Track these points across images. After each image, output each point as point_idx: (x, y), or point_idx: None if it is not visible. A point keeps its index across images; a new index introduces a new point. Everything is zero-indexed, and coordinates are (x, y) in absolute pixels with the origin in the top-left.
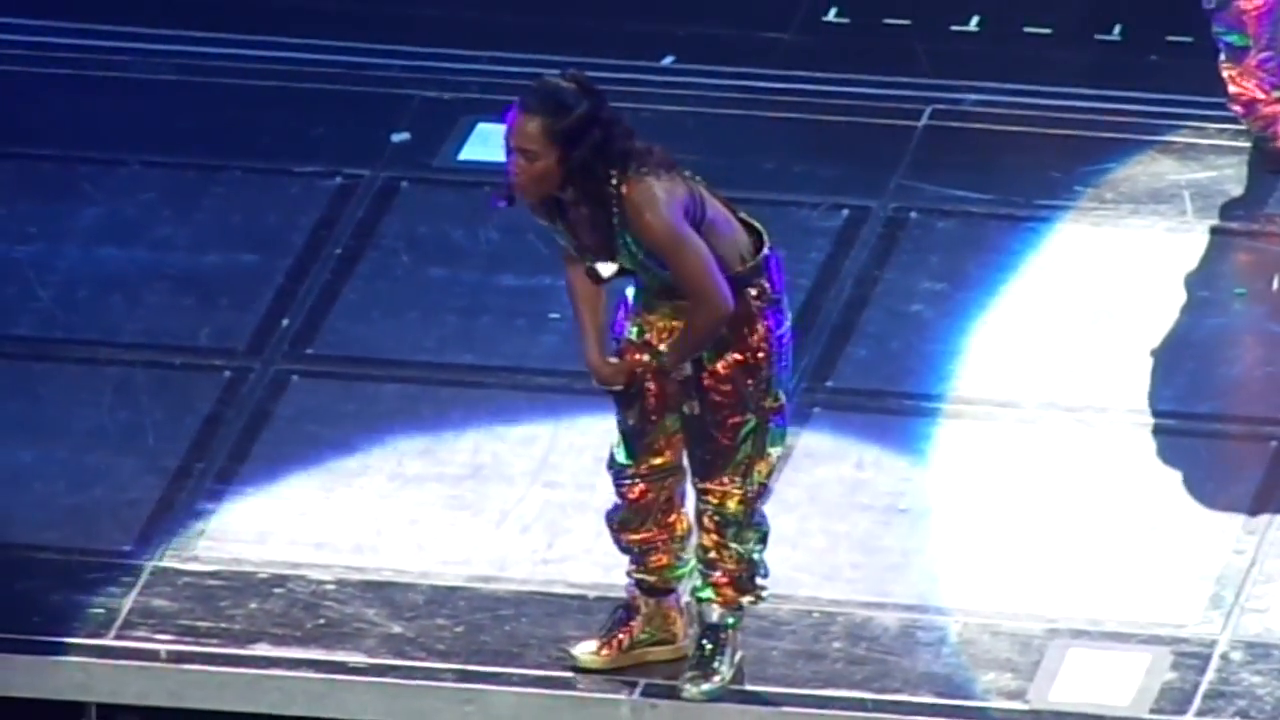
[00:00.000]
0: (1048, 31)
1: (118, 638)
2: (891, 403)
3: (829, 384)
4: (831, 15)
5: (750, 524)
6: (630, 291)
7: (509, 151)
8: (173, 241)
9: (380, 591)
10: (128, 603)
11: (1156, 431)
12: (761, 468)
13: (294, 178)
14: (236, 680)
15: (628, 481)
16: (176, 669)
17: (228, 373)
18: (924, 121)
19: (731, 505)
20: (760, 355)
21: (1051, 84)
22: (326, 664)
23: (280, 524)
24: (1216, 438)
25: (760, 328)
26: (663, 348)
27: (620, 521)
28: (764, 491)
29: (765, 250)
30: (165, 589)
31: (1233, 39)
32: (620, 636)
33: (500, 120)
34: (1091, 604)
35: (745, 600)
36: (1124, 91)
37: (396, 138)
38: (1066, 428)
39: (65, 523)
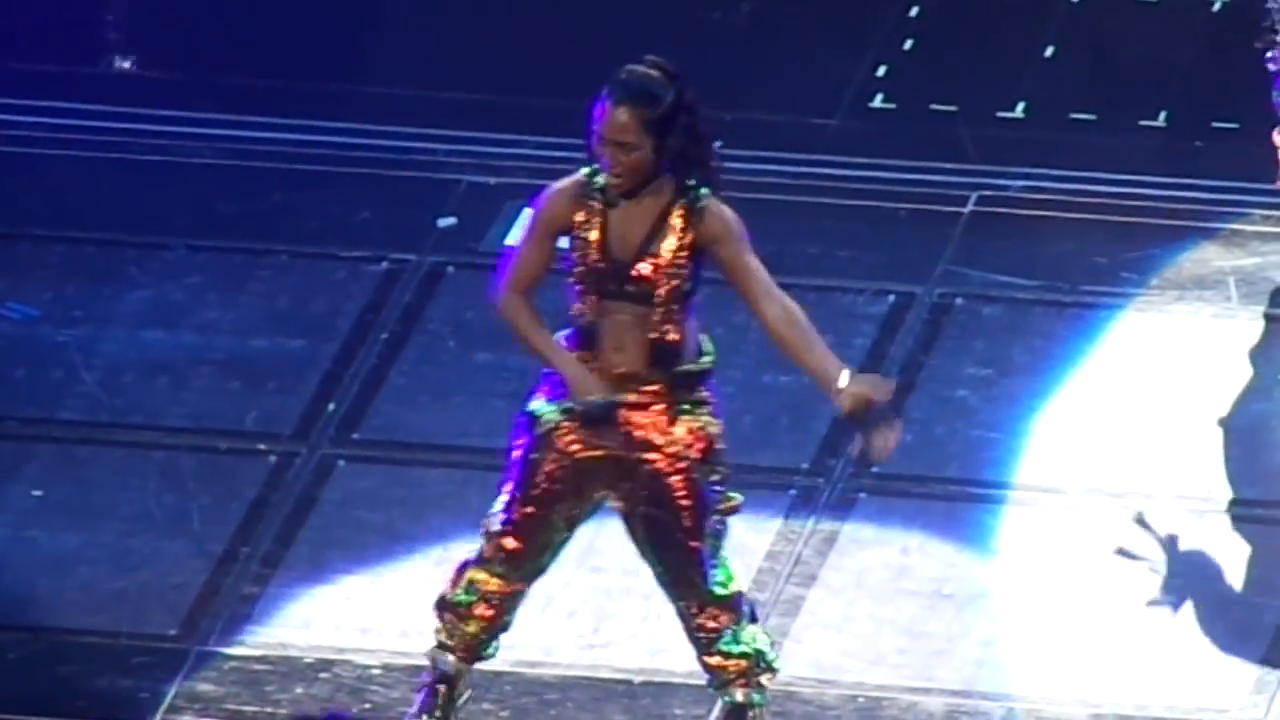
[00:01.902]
0: (1093, 117)
1: None
2: (936, 488)
3: (874, 469)
4: (878, 101)
5: (742, 621)
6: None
7: (602, 144)
8: (219, 325)
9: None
10: (173, 687)
11: (1202, 517)
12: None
13: (340, 262)
14: None
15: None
16: None
17: (273, 457)
18: (970, 207)
19: (725, 621)
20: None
21: (1097, 170)
22: None
23: (326, 609)
24: (1262, 523)
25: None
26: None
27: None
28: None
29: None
30: (211, 674)
31: None
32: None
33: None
34: (1136, 689)
35: (765, 679)
36: (1169, 178)
37: (443, 223)
38: (1112, 513)
39: (111, 607)
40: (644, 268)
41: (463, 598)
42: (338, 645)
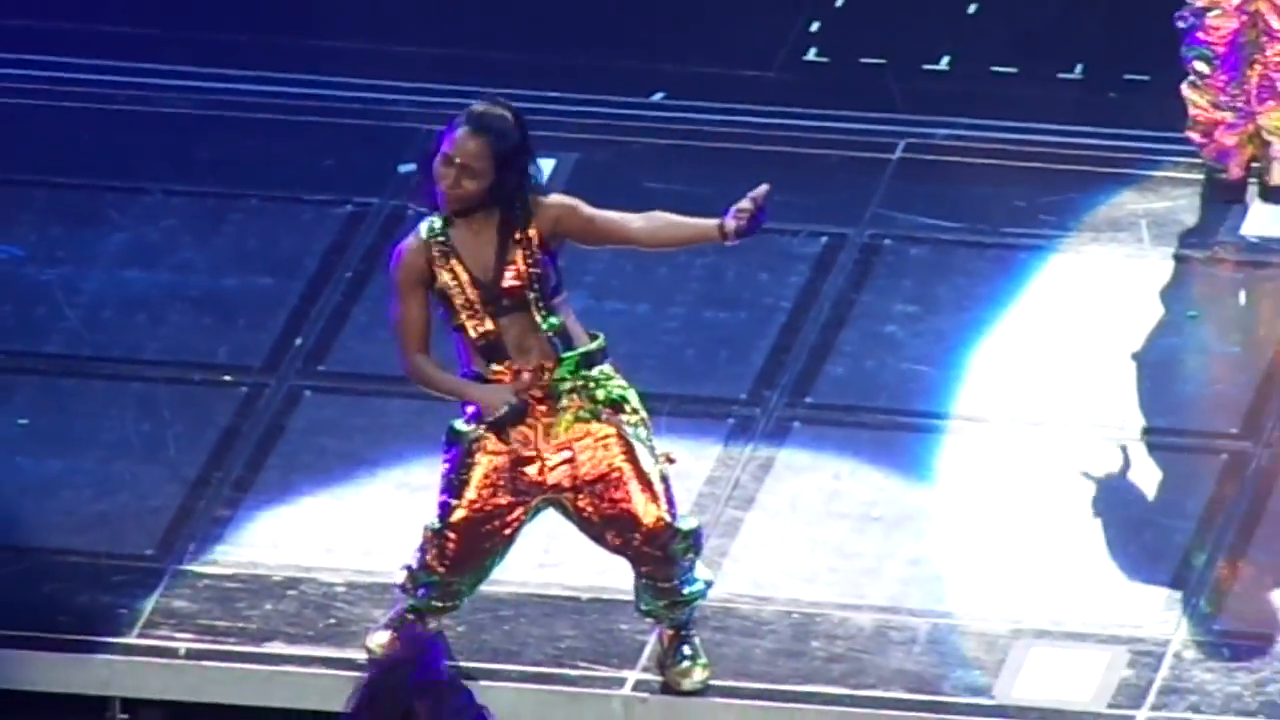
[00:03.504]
0: (1014, 70)
1: (140, 636)
2: (866, 418)
3: (808, 400)
4: (812, 55)
5: (686, 549)
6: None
7: (446, 162)
8: (193, 265)
9: (387, 594)
10: (150, 604)
11: (1116, 444)
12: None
13: (307, 206)
14: (252, 677)
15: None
16: (196, 666)
17: (244, 388)
18: (898, 155)
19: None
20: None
21: (1017, 119)
22: (337, 661)
23: (293, 530)
24: (1172, 450)
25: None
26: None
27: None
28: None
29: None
30: (185, 591)
31: (1201, 63)
32: None
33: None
34: (1054, 606)
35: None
36: (1085, 126)
37: (403, 169)
38: (1030, 440)
39: (91, 528)
40: (509, 280)
41: (417, 603)
42: (305, 564)
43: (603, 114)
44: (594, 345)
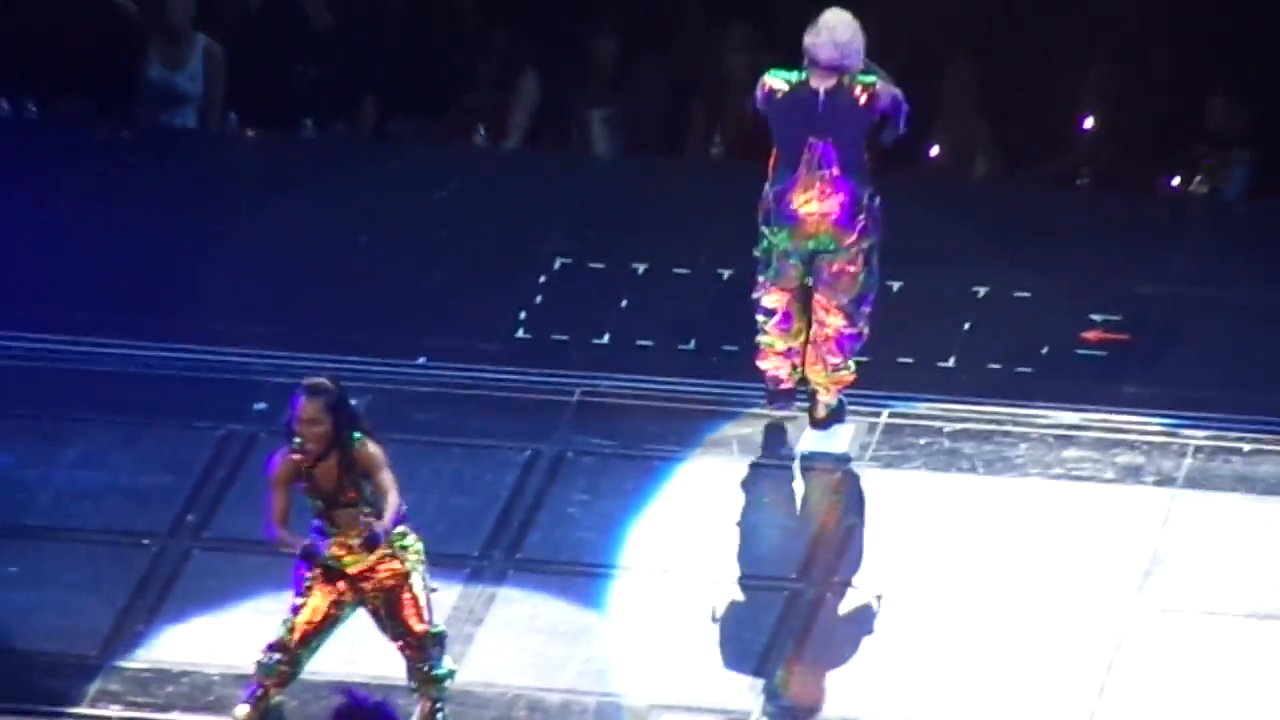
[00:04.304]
0: (652, 343)
1: (89, 706)
2: (559, 567)
3: (518, 556)
4: (520, 333)
5: (444, 650)
6: (315, 544)
7: (299, 424)
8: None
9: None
10: (93, 686)
11: (712, 585)
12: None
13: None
14: None
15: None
16: None
17: (154, 549)
18: (575, 398)
19: (436, 653)
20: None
21: (656, 375)
22: None
23: (190, 638)
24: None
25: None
26: (371, 528)
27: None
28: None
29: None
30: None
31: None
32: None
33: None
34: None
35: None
36: (702, 380)
37: (257, 406)
38: (667, 584)
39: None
40: (346, 492)
41: (267, 667)
42: (193, 660)
43: (382, 371)
44: (396, 529)
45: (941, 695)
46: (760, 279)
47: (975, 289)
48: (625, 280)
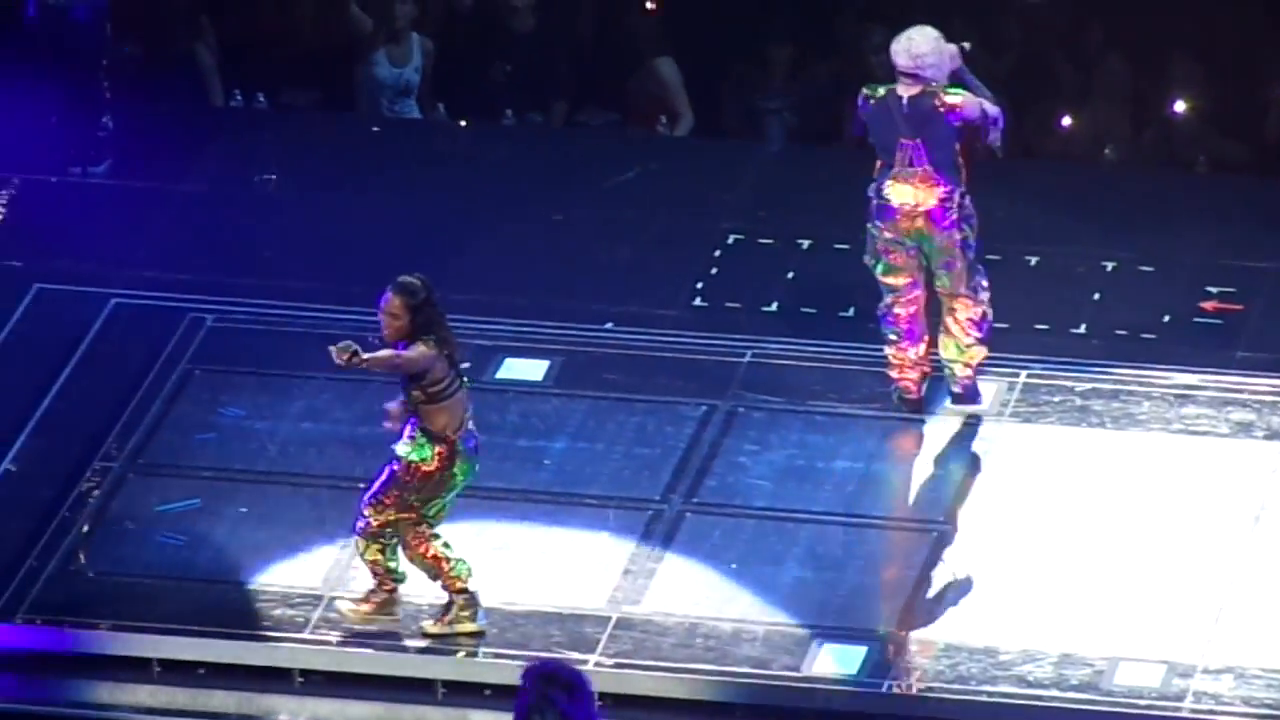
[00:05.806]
0: (815, 311)
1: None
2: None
3: (695, 500)
4: (697, 301)
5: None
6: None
7: (381, 313)
8: None
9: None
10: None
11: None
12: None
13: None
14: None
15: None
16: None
17: None
18: (746, 359)
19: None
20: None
21: (825, 340)
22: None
23: None
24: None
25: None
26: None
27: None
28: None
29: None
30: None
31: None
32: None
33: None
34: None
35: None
36: (859, 343)
37: (463, 365)
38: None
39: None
40: (409, 386)
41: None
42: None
43: (574, 335)
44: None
45: (1077, 623)
46: (884, 300)
47: (1104, 264)
48: (791, 254)
